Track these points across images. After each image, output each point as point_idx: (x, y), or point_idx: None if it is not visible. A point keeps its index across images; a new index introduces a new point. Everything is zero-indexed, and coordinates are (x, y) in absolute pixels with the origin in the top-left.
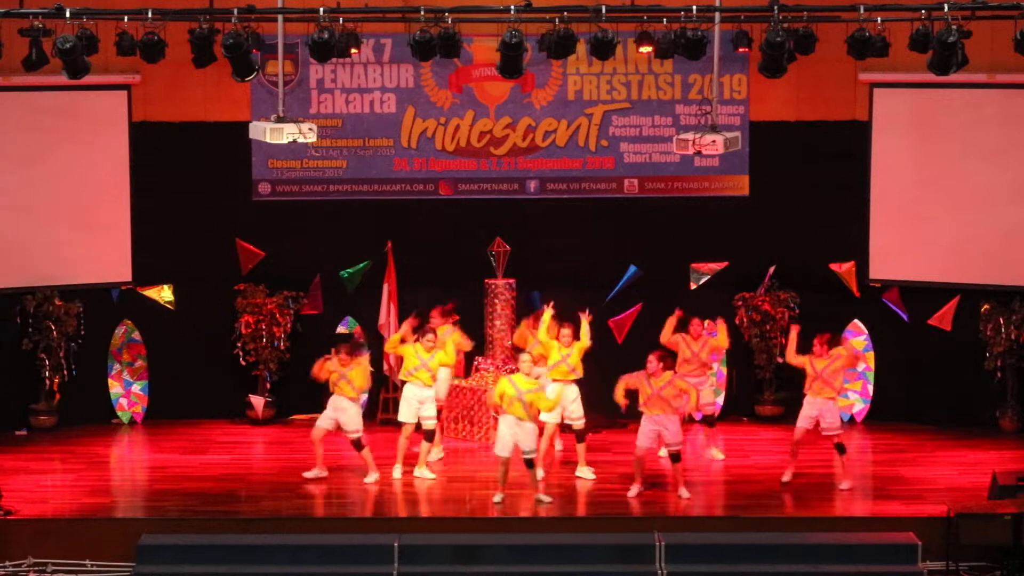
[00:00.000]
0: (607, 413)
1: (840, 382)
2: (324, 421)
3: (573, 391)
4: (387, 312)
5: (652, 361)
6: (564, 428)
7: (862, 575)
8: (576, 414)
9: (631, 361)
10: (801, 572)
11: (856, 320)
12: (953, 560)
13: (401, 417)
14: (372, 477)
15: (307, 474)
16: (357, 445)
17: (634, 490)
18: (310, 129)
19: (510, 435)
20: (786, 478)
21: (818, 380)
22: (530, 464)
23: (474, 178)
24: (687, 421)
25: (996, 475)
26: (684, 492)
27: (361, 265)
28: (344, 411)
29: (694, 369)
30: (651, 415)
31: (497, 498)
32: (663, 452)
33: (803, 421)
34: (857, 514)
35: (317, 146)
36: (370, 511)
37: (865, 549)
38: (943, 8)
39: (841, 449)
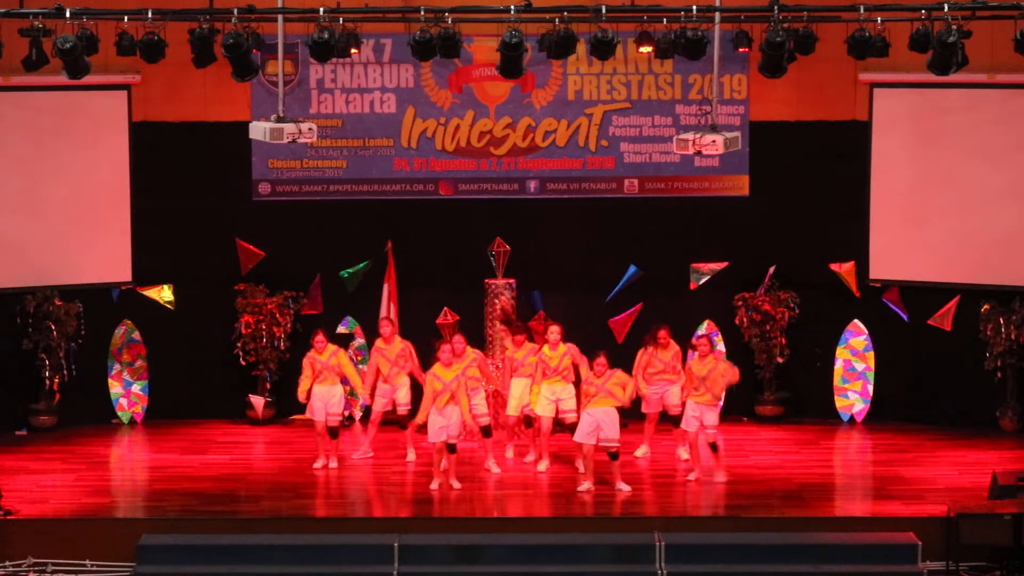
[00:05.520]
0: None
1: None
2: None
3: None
4: (387, 312)
5: (602, 362)
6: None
7: (862, 575)
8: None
9: (631, 361)
10: (801, 572)
11: (856, 320)
12: (953, 560)
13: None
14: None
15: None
16: (334, 431)
17: (585, 485)
18: (310, 129)
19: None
20: (693, 476)
21: (702, 384)
22: (452, 449)
23: (474, 178)
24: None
25: (996, 475)
26: (623, 486)
27: (361, 265)
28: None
29: (662, 372)
30: (592, 409)
31: (434, 484)
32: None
33: (690, 423)
34: (857, 514)
35: (317, 146)
36: (370, 511)
37: (865, 549)
38: (943, 8)
39: (715, 448)
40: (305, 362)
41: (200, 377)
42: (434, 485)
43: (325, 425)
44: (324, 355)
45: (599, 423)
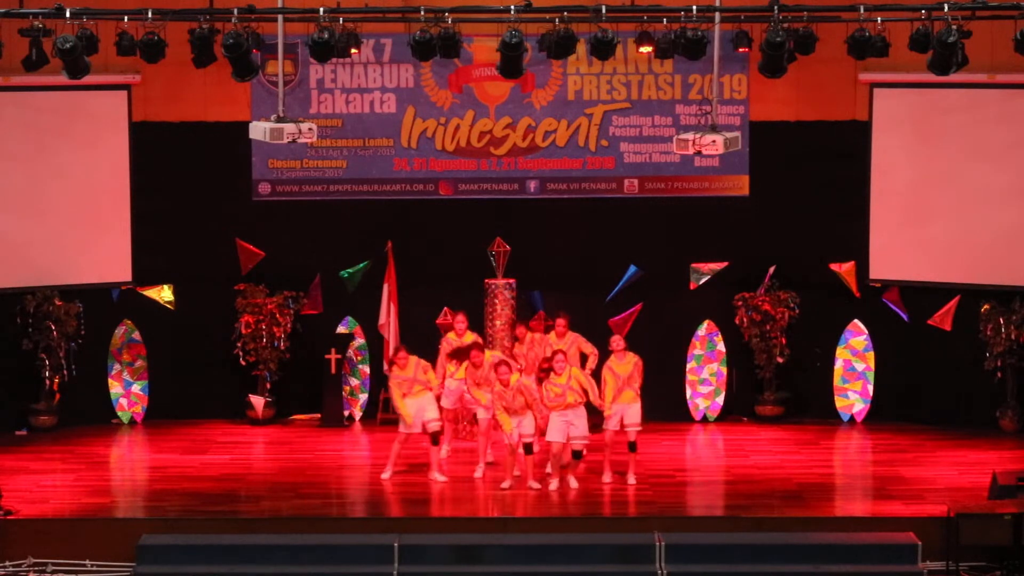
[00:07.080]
0: (601, 415)
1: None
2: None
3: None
4: (387, 312)
5: (560, 360)
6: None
7: (862, 575)
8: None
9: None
10: (801, 572)
11: (856, 320)
12: (953, 560)
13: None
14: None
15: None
16: (435, 439)
17: (554, 483)
18: (310, 129)
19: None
20: (608, 479)
21: (627, 385)
22: (528, 449)
23: (474, 178)
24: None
25: (996, 475)
26: (572, 482)
27: (361, 265)
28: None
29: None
30: (562, 409)
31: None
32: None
33: (611, 422)
34: (857, 514)
35: (317, 146)
36: (370, 511)
37: (865, 549)
38: (943, 8)
39: (633, 447)
40: (392, 384)
41: (200, 377)
42: (536, 484)
43: (407, 436)
44: (409, 370)
45: (569, 421)
